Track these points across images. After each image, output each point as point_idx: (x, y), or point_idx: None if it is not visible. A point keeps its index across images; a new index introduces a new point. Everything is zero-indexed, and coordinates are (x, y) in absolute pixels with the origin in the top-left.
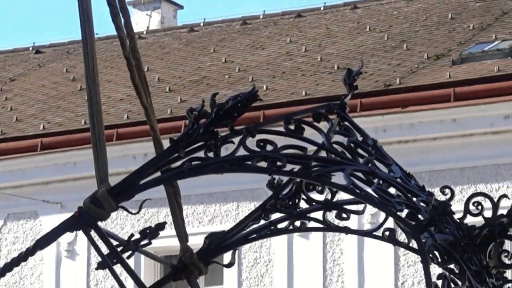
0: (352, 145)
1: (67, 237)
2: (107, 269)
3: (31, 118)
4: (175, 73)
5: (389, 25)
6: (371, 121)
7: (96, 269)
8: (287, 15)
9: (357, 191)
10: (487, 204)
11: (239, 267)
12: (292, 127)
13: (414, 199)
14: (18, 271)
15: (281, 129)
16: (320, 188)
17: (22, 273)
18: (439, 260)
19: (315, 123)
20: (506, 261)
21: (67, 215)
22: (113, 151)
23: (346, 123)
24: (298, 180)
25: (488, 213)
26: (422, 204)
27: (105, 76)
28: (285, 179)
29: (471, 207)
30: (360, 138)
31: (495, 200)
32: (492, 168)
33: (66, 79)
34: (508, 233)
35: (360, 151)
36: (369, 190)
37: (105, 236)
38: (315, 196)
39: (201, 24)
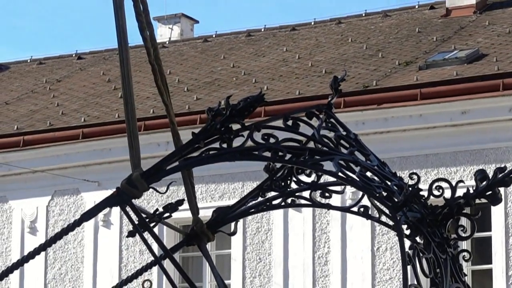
0: (337, 138)
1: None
2: (136, 236)
3: (74, 112)
4: (192, 76)
5: (367, 37)
6: (352, 116)
7: (127, 236)
8: (284, 28)
9: (344, 176)
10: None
11: (244, 235)
12: (290, 123)
13: (389, 183)
14: (63, 237)
15: (281, 125)
16: (308, 172)
17: (67, 238)
18: (410, 233)
19: (308, 120)
20: (462, 234)
21: (103, 192)
22: (141, 140)
23: (332, 120)
24: (289, 165)
25: (447, 195)
26: (395, 187)
27: (135, 78)
28: (279, 164)
29: (434, 190)
30: (343, 133)
31: (454, 184)
32: (451, 154)
33: (103, 80)
34: (464, 211)
35: (343, 143)
36: (354, 176)
37: (138, 210)
38: (304, 178)
39: (213, 36)
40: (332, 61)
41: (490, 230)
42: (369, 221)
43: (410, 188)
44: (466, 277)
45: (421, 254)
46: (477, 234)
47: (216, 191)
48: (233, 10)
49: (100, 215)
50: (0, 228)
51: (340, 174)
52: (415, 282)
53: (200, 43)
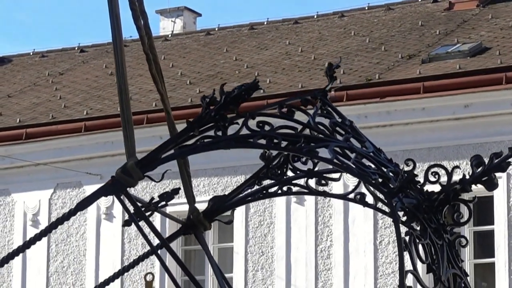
0: (332, 125)
1: (105, 202)
2: (138, 230)
3: (76, 105)
4: (194, 69)
5: (370, 31)
6: (355, 109)
7: (123, 225)
8: (287, 21)
9: (339, 163)
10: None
11: (246, 228)
12: (285, 111)
13: (384, 169)
14: (66, 230)
15: (277, 113)
16: (304, 160)
17: (69, 231)
18: (406, 219)
19: (303, 108)
20: (458, 220)
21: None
22: (144, 132)
23: (328, 107)
24: (285, 153)
25: (444, 181)
26: (391, 174)
27: (138, 71)
28: (275, 152)
29: (430, 176)
30: (339, 120)
31: (449, 170)
32: (454, 148)
33: (105, 73)
34: (460, 197)
35: (339, 129)
36: (349, 162)
37: (133, 199)
38: (300, 166)
39: (216, 29)
40: (335, 54)
41: (492, 223)
42: (372, 214)
43: (406, 174)
44: (463, 263)
45: (417, 240)
46: (479, 228)
47: (219, 184)
48: (236, 3)
49: (103, 208)
50: (2, 221)
51: (335, 160)
52: (412, 268)
53: (202, 36)
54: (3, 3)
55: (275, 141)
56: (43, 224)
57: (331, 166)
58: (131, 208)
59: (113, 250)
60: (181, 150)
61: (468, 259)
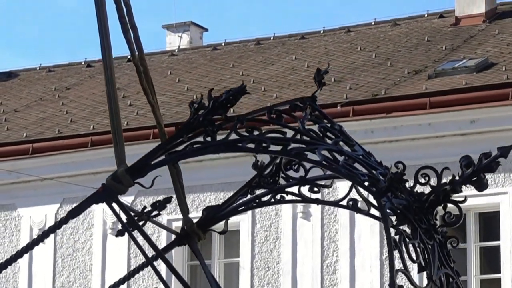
0: (322, 129)
1: (111, 217)
2: (131, 239)
3: (83, 120)
4: (201, 84)
5: (377, 46)
6: (361, 125)
7: (116, 235)
8: (293, 37)
9: (328, 165)
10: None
11: (252, 243)
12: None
13: (374, 172)
14: (72, 245)
15: (265, 118)
16: (296, 167)
17: (75, 246)
18: (396, 221)
19: (292, 113)
20: (449, 221)
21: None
22: (150, 147)
23: (317, 112)
24: (277, 161)
25: (434, 183)
26: (380, 176)
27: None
28: (267, 161)
29: (420, 178)
30: (328, 124)
31: (439, 171)
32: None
33: None
34: (450, 198)
35: (329, 134)
36: (338, 165)
37: (125, 208)
38: (292, 174)
39: (223, 44)
40: (341, 69)
41: (498, 239)
42: (378, 229)
43: (394, 173)
44: (454, 264)
45: (407, 240)
46: (485, 243)
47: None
48: (242, 18)
49: (109, 223)
50: (8, 235)
51: (324, 162)
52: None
53: (209, 51)
54: (10, 17)
55: (264, 145)
56: (49, 239)
57: (322, 173)
58: (124, 219)
59: (119, 265)
60: (171, 156)
61: (474, 275)
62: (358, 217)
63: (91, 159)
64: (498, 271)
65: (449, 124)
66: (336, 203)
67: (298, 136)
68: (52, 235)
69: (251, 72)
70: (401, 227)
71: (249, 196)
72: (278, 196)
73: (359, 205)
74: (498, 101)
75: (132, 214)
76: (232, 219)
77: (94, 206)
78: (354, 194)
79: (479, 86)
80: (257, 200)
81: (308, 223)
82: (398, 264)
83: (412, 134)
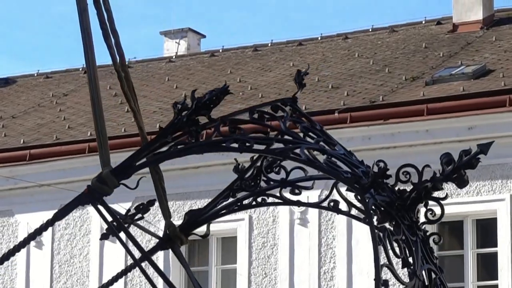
0: (304, 129)
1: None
2: (118, 240)
3: (80, 126)
4: (199, 90)
5: (374, 52)
6: (358, 131)
7: (101, 239)
8: (291, 43)
9: (311, 162)
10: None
11: (249, 250)
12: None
13: (356, 170)
14: (69, 251)
15: (247, 118)
16: (277, 169)
17: (72, 253)
18: (380, 217)
19: (274, 113)
20: (431, 217)
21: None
22: None
23: (297, 113)
24: (258, 164)
25: (415, 180)
26: (362, 174)
27: (142, 92)
28: (247, 164)
29: (401, 176)
30: (309, 125)
31: (420, 169)
32: None
33: (109, 94)
34: (432, 195)
35: (310, 134)
36: (321, 162)
37: (111, 210)
38: (273, 176)
39: (220, 51)
40: (339, 76)
41: (496, 246)
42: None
43: (377, 170)
44: (437, 260)
45: (391, 236)
46: (483, 250)
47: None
48: (240, 25)
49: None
50: (6, 241)
51: (307, 160)
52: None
53: (207, 57)
54: (8, 24)
55: (247, 144)
56: (47, 245)
57: (304, 175)
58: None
59: (116, 271)
60: (155, 156)
61: (472, 281)
62: (356, 223)
63: (88, 165)
64: (495, 277)
65: (447, 131)
66: (317, 205)
67: (280, 136)
68: (49, 242)
69: (248, 79)
70: (384, 224)
71: (230, 199)
72: (259, 199)
73: (339, 206)
74: (496, 107)
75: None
76: (230, 226)
77: (91, 212)
78: (335, 196)
79: (476, 92)
80: (239, 203)
81: (306, 229)
82: (382, 260)
83: (410, 141)
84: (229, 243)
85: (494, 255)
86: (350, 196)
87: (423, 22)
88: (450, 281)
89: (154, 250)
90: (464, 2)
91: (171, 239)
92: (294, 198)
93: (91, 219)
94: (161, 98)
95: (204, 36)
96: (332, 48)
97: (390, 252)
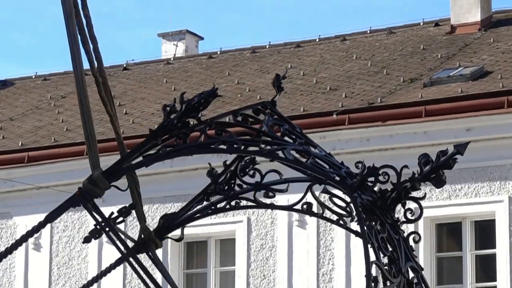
0: (285, 131)
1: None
2: (108, 238)
3: (79, 128)
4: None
5: (372, 54)
6: (357, 133)
7: (84, 242)
8: (289, 45)
9: (300, 162)
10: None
11: (248, 252)
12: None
13: (339, 170)
14: (68, 254)
15: (231, 121)
16: (252, 173)
17: (71, 255)
18: (364, 216)
19: (256, 116)
20: (410, 217)
21: (108, 208)
22: None
23: (276, 116)
24: (232, 168)
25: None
26: (345, 174)
27: (140, 94)
28: (220, 169)
29: (380, 177)
30: (289, 127)
31: (398, 170)
32: (456, 171)
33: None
34: (410, 195)
35: (292, 136)
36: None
37: (100, 211)
38: (248, 180)
39: (218, 52)
40: (337, 78)
41: (494, 247)
42: None
43: (366, 170)
44: (417, 259)
45: (378, 234)
46: (481, 251)
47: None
48: (238, 26)
49: None
50: (4, 244)
51: (295, 160)
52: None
53: (204, 59)
54: (5, 26)
55: (235, 146)
56: (45, 247)
57: (278, 177)
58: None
59: (115, 274)
60: (145, 158)
61: (470, 283)
62: (354, 225)
63: (86, 167)
64: (494, 279)
65: (445, 133)
66: (290, 207)
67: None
68: (48, 244)
69: (246, 81)
70: (368, 222)
71: (205, 203)
72: (233, 203)
73: (312, 208)
74: (494, 109)
75: (100, 220)
76: (228, 228)
77: (88, 214)
78: (309, 198)
79: (474, 94)
80: (213, 207)
81: (304, 231)
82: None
83: (408, 142)
84: (227, 245)
85: (493, 257)
86: (325, 198)
87: (421, 23)
88: (449, 283)
89: (128, 254)
90: (462, 3)
91: (146, 242)
92: (268, 201)
93: (89, 222)
94: (159, 100)
95: (202, 38)
96: (330, 50)
97: (376, 249)
